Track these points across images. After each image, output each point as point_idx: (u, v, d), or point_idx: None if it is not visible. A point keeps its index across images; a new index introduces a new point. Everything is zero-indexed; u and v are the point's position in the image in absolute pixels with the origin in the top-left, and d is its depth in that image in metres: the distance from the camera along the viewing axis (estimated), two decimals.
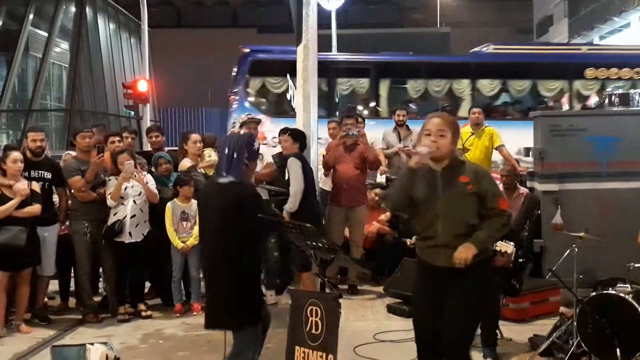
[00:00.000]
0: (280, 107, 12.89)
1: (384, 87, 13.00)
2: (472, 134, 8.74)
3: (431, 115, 3.61)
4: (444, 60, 14.92)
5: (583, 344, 4.46)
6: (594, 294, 4.59)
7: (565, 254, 4.93)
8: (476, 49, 13.97)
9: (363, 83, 13.01)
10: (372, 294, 7.06)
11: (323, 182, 7.84)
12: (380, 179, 9.08)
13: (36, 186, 5.84)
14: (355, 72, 13.03)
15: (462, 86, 12.87)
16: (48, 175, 6.07)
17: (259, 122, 6.88)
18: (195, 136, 6.98)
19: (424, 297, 3.47)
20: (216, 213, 3.60)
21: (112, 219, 6.08)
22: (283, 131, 6.58)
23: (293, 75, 12.32)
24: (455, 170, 3.39)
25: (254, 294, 3.63)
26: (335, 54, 15.50)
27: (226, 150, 3.66)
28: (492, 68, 12.90)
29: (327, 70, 12.15)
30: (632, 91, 6.87)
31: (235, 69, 12.78)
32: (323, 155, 7.75)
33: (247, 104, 12.05)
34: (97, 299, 6.49)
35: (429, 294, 3.42)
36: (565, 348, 4.65)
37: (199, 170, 6.68)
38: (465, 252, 3.27)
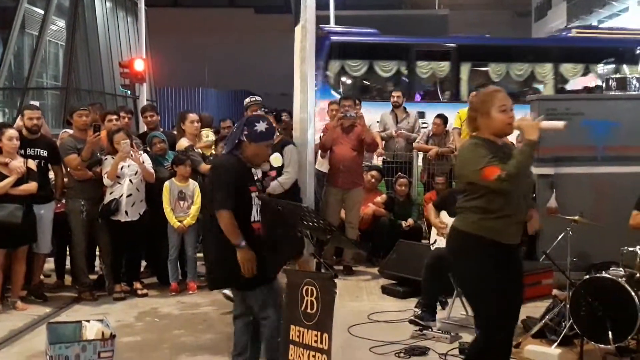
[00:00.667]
0: (360, 90, 12.80)
1: (464, 70, 12.93)
2: None
3: (493, 89, 3.52)
4: (526, 43, 14.77)
5: (575, 327, 4.50)
6: (587, 277, 4.62)
7: (560, 237, 4.96)
8: (556, 32, 13.91)
9: (443, 66, 12.92)
10: (367, 275, 7.11)
11: (319, 164, 7.84)
12: (377, 161, 9.10)
13: (32, 164, 5.83)
14: (436, 55, 12.91)
15: (545, 70, 12.80)
16: (44, 153, 6.06)
17: (261, 104, 6.85)
18: (192, 116, 6.98)
19: (505, 277, 3.38)
20: (208, 179, 3.90)
21: (108, 198, 6.09)
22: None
23: (373, 57, 12.34)
24: (508, 147, 3.44)
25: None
26: (416, 37, 15.27)
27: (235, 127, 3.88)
28: (575, 52, 12.79)
29: (407, 53, 12.10)
30: (629, 75, 6.86)
31: None
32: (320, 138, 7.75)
33: (326, 87, 11.95)
34: (93, 277, 6.51)
35: (507, 274, 3.39)
36: (558, 330, 4.69)
37: (196, 150, 6.68)
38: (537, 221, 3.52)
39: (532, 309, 5.49)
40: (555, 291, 5.77)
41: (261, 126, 3.72)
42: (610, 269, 4.61)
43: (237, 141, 3.76)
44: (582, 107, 6.52)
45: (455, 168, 3.55)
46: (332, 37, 12.37)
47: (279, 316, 3.68)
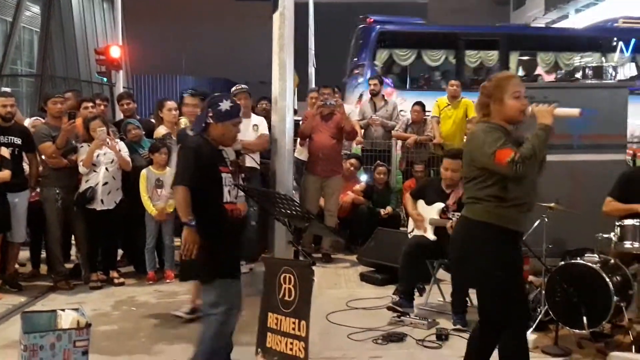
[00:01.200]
0: (408, 79, 12.69)
1: (513, 59, 12.89)
2: (448, 104, 8.78)
3: (507, 74, 3.44)
4: (574, 33, 14.69)
5: (551, 312, 4.56)
6: (562, 263, 4.67)
7: (536, 224, 5.00)
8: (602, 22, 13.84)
9: (492, 55, 12.86)
10: (346, 263, 7.14)
11: (299, 152, 7.83)
12: (356, 149, 9.11)
13: (5, 152, 5.74)
14: (485, 44, 12.85)
15: (593, 59, 12.76)
16: (18, 141, 5.96)
17: (248, 92, 6.79)
18: (170, 103, 6.89)
19: (519, 265, 3.35)
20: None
21: (83, 186, 6.02)
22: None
23: (421, 46, 12.23)
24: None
25: (214, 247, 3.58)
26: (464, 26, 15.16)
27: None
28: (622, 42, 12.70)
29: (456, 42, 12.00)
30: (605, 64, 6.92)
31: (356, 40, 12.45)
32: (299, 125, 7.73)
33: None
34: (69, 266, 6.45)
35: (520, 262, 3.37)
36: (534, 316, 4.74)
37: (174, 138, 6.61)
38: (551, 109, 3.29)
39: None
40: (531, 277, 5.82)
41: (225, 105, 3.63)
42: (585, 255, 4.66)
43: (203, 124, 3.70)
44: (560, 96, 6.53)
45: (464, 154, 3.35)
46: (379, 26, 12.27)
47: (225, 321, 3.53)
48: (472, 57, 12.84)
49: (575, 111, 3.26)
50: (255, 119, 6.70)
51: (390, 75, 12.48)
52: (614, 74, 6.83)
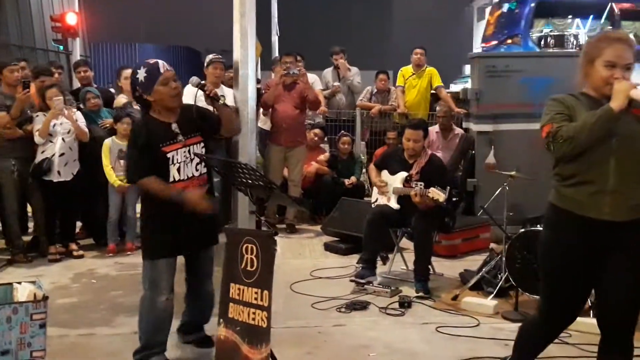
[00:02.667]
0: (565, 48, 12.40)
1: None
2: (413, 74, 8.76)
3: (614, 36, 2.82)
4: None
5: (511, 278, 4.64)
6: (522, 230, 4.75)
7: (497, 192, 5.06)
8: None
9: None
10: (310, 233, 7.14)
11: (262, 122, 7.75)
12: (319, 119, 9.05)
13: None
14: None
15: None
16: None
17: (224, 62, 6.66)
18: (128, 72, 6.74)
19: (576, 259, 2.76)
20: None
21: (40, 157, 5.86)
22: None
23: (580, 16, 11.93)
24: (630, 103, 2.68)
25: (149, 227, 3.63)
26: None
27: None
28: None
29: (613, 13, 11.74)
30: (566, 32, 6.97)
31: (509, 10, 12.11)
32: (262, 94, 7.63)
33: (531, 47, 11.54)
34: (26, 238, 6.30)
35: (587, 256, 2.75)
36: (494, 282, 4.83)
37: (134, 107, 6.47)
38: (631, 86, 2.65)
39: (470, 263, 5.67)
40: (492, 245, 5.93)
41: (141, 74, 3.47)
42: None
43: (140, 104, 3.62)
44: (521, 65, 6.61)
45: None
46: None
47: (150, 303, 3.57)
48: (628, 28, 12.73)
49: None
50: (224, 90, 6.60)
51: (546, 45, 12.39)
52: (575, 42, 6.87)
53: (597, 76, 2.76)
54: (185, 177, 3.56)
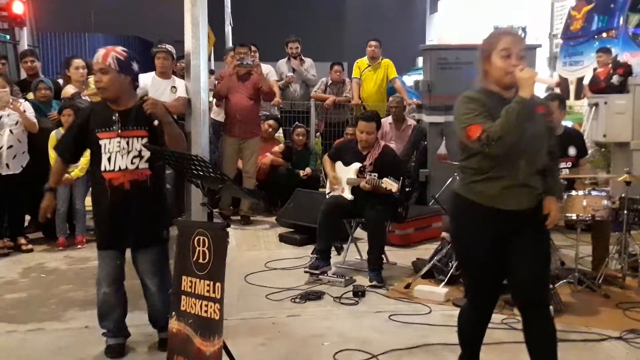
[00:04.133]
0: None
1: None
2: (369, 66, 8.81)
3: (502, 30, 3.10)
4: None
5: None
6: None
7: (448, 182, 5.15)
8: None
9: None
10: (265, 225, 7.14)
11: (215, 113, 7.69)
12: (273, 110, 9.02)
13: None
14: None
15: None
16: None
17: (168, 51, 6.56)
18: (78, 62, 6.64)
19: (486, 247, 2.93)
20: None
21: None
22: None
23: None
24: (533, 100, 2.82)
25: (95, 216, 3.76)
26: None
27: None
28: None
29: None
30: (514, 26, 7.11)
31: (606, 3, 11.84)
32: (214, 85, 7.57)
33: (628, 41, 11.29)
34: None
35: (495, 243, 2.92)
36: (445, 270, 4.92)
37: (83, 98, 6.35)
38: (557, 213, 2.91)
39: (422, 251, 5.76)
40: (443, 234, 6.02)
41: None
42: None
43: None
44: (471, 57, 6.64)
45: None
46: None
47: (97, 292, 3.66)
48: None
49: (552, 81, 2.93)
50: (175, 80, 6.53)
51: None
52: (523, 35, 7.01)
53: (496, 69, 2.87)
54: (117, 169, 3.51)
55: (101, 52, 3.53)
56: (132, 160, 3.53)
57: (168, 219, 3.80)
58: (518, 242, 2.92)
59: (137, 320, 3.92)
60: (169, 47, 6.66)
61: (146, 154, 3.54)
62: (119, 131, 3.51)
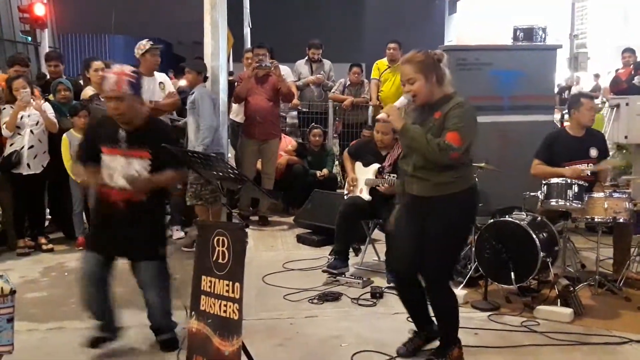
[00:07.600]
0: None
1: None
2: (388, 67, 8.76)
3: (400, 61, 3.61)
4: None
5: (480, 268, 4.70)
6: (491, 221, 4.80)
7: None
8: None
9: None
10: (283, 225, 7.14)
11: (234, 114, 7.71)
12: (292, 111, 9.02)
13: None
14: None
15: None
16: None
17: (160, 48, 6.51)
18: (97, 63, 6.66)
19: (404, 225, 3.60)
20: None
21: (8, 150, 5.78)
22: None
23: None
24: (435, 107, 3.42)
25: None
26: None
27: None
28: None
29: None
30: (535, 26, 7.04)
31: None
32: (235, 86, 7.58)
33: None
34: None
35: (408, 221, 3.56)
36: (464, 272, 4.88)
37: (102, 99, 6.38)
38: (389, 111, 3.44)
39: None
40: None
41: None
42: (513, 213, 4.81)
43: None
44: (491, 58, 6.67)
45: None
46: None
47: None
48: None
49: (403, 100, 3.45)
50: (160, 76, 6.42)
51: None
52: (544, 36, 6.95)
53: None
54: (115, 186, 3.52)
55: (112, 79, 3.46)
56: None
57: (162, 236, 3.82)
58: (427, 223, 3.47)
59: (137, 321, 3.95)
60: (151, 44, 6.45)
61: (144, 175, 3.54)
62: (125, 150, 3.54)
